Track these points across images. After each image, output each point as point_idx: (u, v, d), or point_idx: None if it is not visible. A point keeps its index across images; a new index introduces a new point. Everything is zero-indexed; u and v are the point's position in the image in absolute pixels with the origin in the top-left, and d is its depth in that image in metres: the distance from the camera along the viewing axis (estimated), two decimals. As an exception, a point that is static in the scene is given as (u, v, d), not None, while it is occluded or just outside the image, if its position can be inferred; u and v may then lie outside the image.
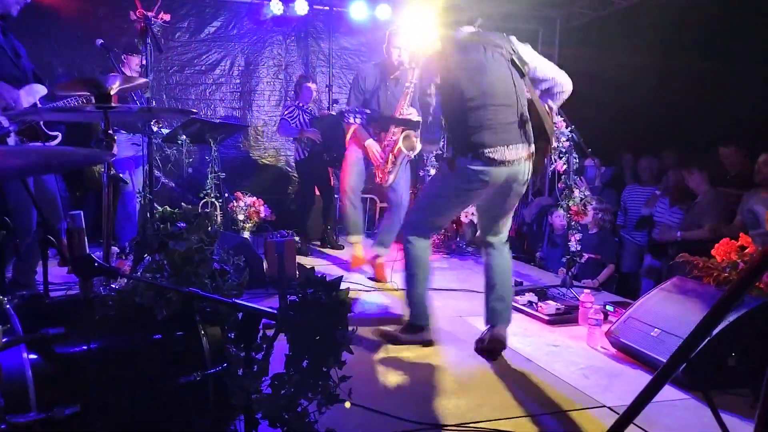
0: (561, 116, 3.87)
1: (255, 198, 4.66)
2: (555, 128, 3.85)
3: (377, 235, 4.24)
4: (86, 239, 1.55)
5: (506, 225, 2.88)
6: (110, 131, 1.96)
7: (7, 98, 2.73)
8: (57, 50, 5.58)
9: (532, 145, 2.68)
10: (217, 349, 1.69)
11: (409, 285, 2.88)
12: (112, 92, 1.82)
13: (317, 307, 1.62)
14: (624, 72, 5.61)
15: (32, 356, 1.40)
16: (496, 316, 2.82)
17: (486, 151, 2.56)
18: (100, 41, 3.84)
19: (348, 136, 4.18)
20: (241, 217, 4.54)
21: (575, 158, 3.85)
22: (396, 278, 4.20)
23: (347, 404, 1.68)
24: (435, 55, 2.74)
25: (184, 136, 4.46)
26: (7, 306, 1.33)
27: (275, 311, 1.61)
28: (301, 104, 5.29)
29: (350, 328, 1.71)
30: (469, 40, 2.69)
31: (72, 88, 2.26)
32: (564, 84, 2.79)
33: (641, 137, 5.78)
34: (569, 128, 3.86)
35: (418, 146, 3.85)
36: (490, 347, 2.77)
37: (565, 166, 3.83)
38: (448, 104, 2.67)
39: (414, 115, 3.73)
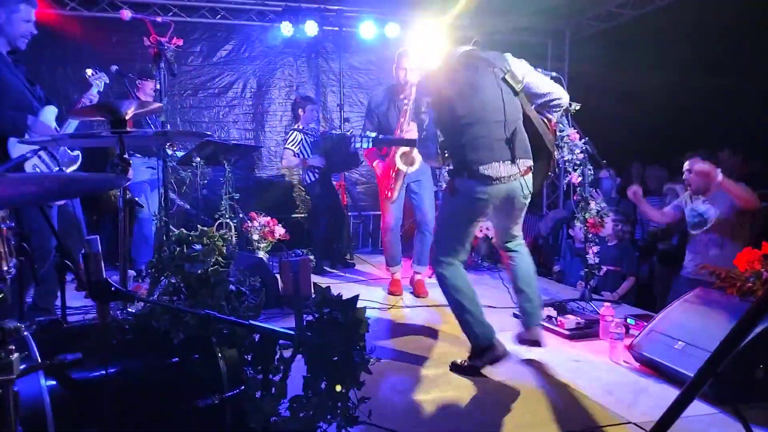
0: (574, 128, 3.85)
1: (269, 218, 4.67)
2: (569, 140, 3.86)
3: (414, 255, 4.30)
4: (103, 263, 1.55)
5: (519, 229, 2.95)
6: (125, 155, 1.97)
7: (45, 135, 2.80)
8: (72, 77, 5.68)
9: (529, 160, 2.70)
10: (235, 372, 1.68)
11: (458, 314, 2.80)
12: (127, 117, 1.85)
13: (334, 326, 1.60)
14: (634, 82, 5.59)
15: (50, 382, 1.40)
16: (530, 318, 2.89)
17: (480, 168, 2.60)
18: (115, 67, 3.91)
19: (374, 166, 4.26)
20: (255, 237, 4.54)
21: (590, 170, 3.82)
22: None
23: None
24: (429, 74, 2.83)
25: (199, 159, 4.50)
26: (25, 333, 1.33)
27: (292, 332, 1.60)
28: (302, 127, 5.30)
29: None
30: (463, 60, 2.75)
31: (88, 113, 2.29)
32: (559, 95, 2.82)
33: (652, 147, 5.74)
34: (583, 140, 3.83)
35: (418, 161, 3.88)
36: (529, 345, 2.91)
37: (580, 178, 3.79)
38: (441, 122, 2.73)
39: (414, 132, 3.77)
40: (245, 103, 6.43)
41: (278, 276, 4.01)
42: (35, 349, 1.39)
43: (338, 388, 1.59)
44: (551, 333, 3.32)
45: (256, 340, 1.76)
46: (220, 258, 1.85)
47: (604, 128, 4.83)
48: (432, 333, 3.38)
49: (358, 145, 3.52)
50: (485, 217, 2.86)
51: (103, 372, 1.50)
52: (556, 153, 2.89)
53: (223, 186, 4.69)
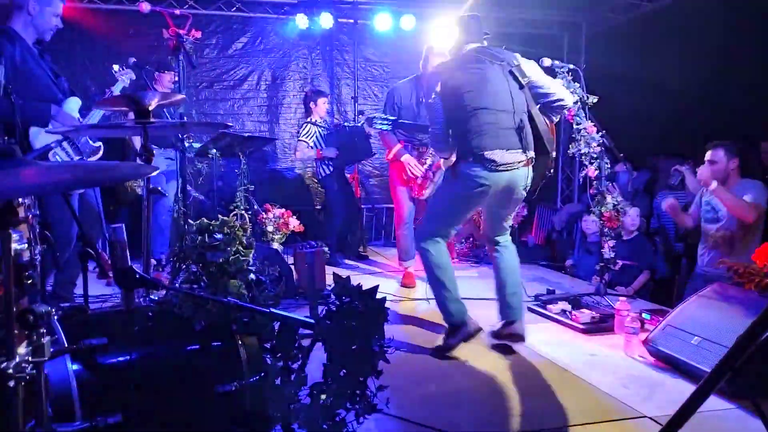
0: (591, 121, 3.83)
1: (284, 210, 4.70)
2: (586, 133, 3.83)
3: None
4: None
5: (509, 223, 3.01)
6: (147, 146, 2.00)
7: (68, 125, 2.84)
8: (90, 70, 5.74)
9: (531, 152, 2.77)
10: (255, 359, 1.70)
11: (436, 291, 2.93)
12: (150, 108, 1.87)
13: (354, 315, 1.62)
14: (656, 75, 5.52)
15: (77, 366, 1.43)
16: (513, 312, 2.91)
17: (486, 153, 2.66)
18: (133, 59, 3.95)
19: (389, 155, 4.21)
20: (270, 228, 4.57)
21: (607, 163, 3.79)
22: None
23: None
24: (439, 67, 2.91)
25: (215, 150, 4.53)
26: (54, 317, 1.37)
27: (312, 320, 1.62)
28: (315, 121, 5.31)
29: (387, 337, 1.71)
30: (472, 54, 2.84)
31: (112, 104, 2.33)
32: (563, 96, 2.90)
33: (675, 141, 5.66)
34: (600, 133, 3.81)
35: None
36: (510, 339, 2.88)
37: (596, 172, 3.77)
38: (450, 112, 2.78)
39: None
40: (260, 95, 6.45)
41: (292, 267, 4.04)
42: (62, 333, 1.42)
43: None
44: (565, 327, 3.32)
45: (276, 328, 1.78)
46: (240, 247, 1.88)
47: (623, 122, 4.77)
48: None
49: (378, 126, 3.49)
50: (482, 204, 2.90)
51: (128, 357, 1.54)
52: (553, 153, 2.91)
53: (237, 178, 4.72)
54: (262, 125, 6.46)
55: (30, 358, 1.10)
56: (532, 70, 2.84)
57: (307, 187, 6.38)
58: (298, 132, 5.49)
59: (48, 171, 1.11)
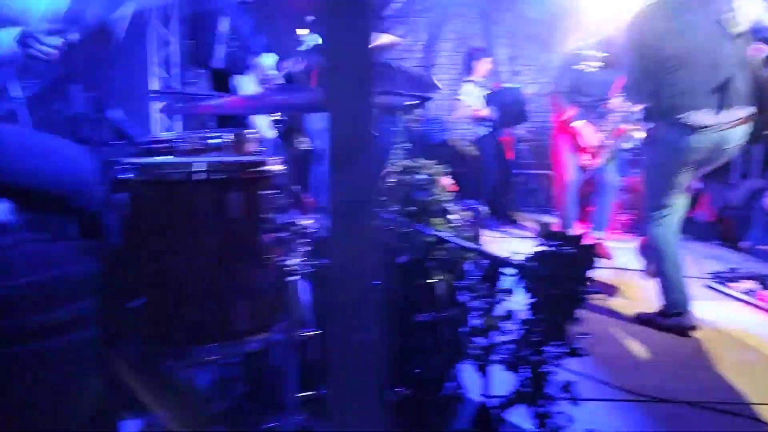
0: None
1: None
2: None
3: (593, 220, 4.20)
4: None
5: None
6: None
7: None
8: (264, 29, 6.16)
9: (743, 110, 2.46)
10: (450, 295, 1.78)
11: (660, 276, 2.76)
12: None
13: (559, 260, 1.62)
14: None
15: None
16: (684, 300, 2.66)
17: (680, 117, 2.44)
18: (310, 17, 4.16)
19: (559, 120, 4.09)
20: (426, 185, 4.68)
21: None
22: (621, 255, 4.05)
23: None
24: (640, 11, 2.65)
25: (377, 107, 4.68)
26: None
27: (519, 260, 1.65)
28: (475, 79, 5.23)
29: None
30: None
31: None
32: None
33: None
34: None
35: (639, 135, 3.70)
36: (679, 334, 2.63)
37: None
38: (647, 64, 2.55)
39: None
40: (415, 55, 6.51)
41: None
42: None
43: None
44: (752, 307, 3.05)
45: (468, 268, 1.84)
46: (440, 188, 1.96)
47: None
48: (611, 294, 3.27)
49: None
50: (691, 168, 2.60)
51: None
52: None
53: (392, 135, 4.84)
54: (416, 85, 6.54)
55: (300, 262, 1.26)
56: (753, 14, 2.52)
57: (459, 149, 6.39)
58: (456, 91, 5.48)
59: (286, 91, 1.24)
